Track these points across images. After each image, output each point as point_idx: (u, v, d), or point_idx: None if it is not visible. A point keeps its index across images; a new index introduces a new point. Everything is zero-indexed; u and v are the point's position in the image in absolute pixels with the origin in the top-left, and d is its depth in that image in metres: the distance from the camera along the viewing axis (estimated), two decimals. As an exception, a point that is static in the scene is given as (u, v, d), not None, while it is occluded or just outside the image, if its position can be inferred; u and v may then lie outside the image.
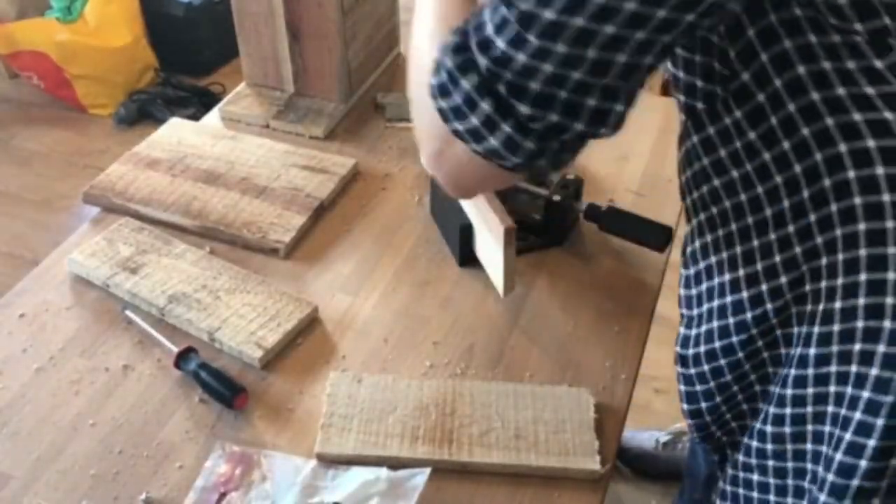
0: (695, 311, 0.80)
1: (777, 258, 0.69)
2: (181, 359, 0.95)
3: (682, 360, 0.82)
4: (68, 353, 0.98)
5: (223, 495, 0.84)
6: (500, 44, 0.58)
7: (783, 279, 0.69)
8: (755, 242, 0.70)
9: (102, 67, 2.97)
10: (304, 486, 0.84)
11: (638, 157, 1.29)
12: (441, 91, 0.63)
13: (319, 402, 0.92)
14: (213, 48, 3.14)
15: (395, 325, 1.03)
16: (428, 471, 0.84)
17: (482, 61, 0.59)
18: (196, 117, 1.43)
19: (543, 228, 1.12)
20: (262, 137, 1.31)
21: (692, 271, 0.79)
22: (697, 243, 0.78)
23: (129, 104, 3.00)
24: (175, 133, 1.32)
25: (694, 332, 0.80)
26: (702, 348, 0.78)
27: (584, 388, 0.93)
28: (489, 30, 0.59)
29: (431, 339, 1.01)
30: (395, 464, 0.85)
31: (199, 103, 2.95)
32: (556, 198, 1.10)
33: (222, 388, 0.92)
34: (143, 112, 2.99)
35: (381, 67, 1.51)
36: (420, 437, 0.88)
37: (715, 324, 0.76)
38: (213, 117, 1.39)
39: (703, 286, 0.78)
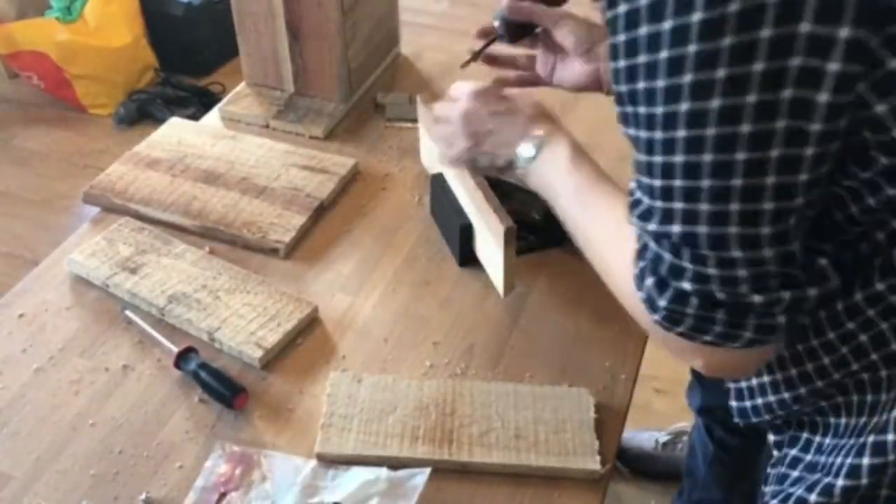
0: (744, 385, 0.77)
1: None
2: (181, 359, 0.95)
3: (741, 413, 0.79)
4: (68, 353, 0.98)
5: (223, 495, 0.84)
6: (688, 265, 0.59)
7: (826, 360, 0.67)
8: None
9: (102, 67, 2.97)
10: (304, 486, 0.84)
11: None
12: (672, 321, 0.63)
13: (319, 402, 0.92)
14: (213, 48, 3.14)
15: (395, 325, 1.03)
16: (428, 471, 0.84)
17: (687, 286, 0.60)
18: (196, 117, 1.43)
19: (543, 228, 1.12)
20: (262, 137, 1.31)
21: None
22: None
23: (128, 104, 3.00)
24: (175, 133, 1.32)
25: (748, 403, 0.77)
26: (759, 401, 0.76)
27: (584, 388, 0.93)
28: (668, 258, 0.60)
29: (431, 339, 1.01)
30: (395, 464, 0.85)
31: (199, 103, 2.95)
32: None
33: (222, 388, 0.91)
34: (142, 112, 2.99)
35: (381, 67, 1.51)
36: (420, 437, 0.88)
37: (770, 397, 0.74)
38: (212, 117, 1.39)
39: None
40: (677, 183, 0.56)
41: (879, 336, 0.64)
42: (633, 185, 0.63)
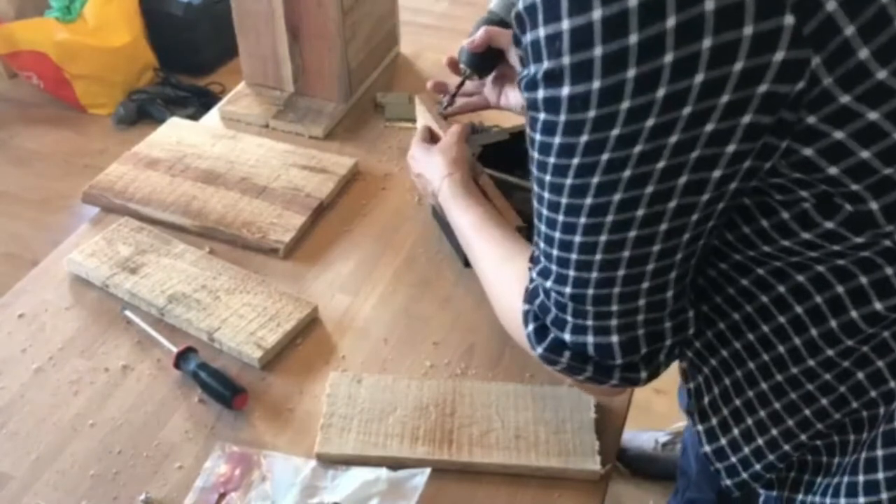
0: (733, 459, 0.77)
1: (810, 386, 0.67)
2: (181, 359, 0.95)
3: (718, 454, 0.79)
4: (68, 353, 0.98)
5: (223, 495, 0.84)
6: (570, 318, 0.66)
7: (824, 401, 0.67)
8: (779, 377, 0.68)
9: (102, 67, 2.97)
10: (303, 487, 0.84)
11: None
12: (549, 363, 0.70)
13: (319, 402, 0.92)
14: (213, 48, 3.14)
15: (395, 325, 1.03)
16: (428, 471, 0.84)
17: (566, 337, 0.67)
18: (195, 117, 1.43)
19: None
20: (261, 137, 1.31)
21: (715, 422, 0.76)
22: (715, 390, 0.75)
23: (128, 104, 3.00)
24: (174, 133, 1.32)
25: (733, 459, 0.77)
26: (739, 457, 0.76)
27: (584, 389, 0.93)
28: (553, 311, 0.67)
29: (431, 339, 1.01)
30: (395, 464, 0.85)
31: (199, 103, 2.95)
32: None
33: (222, 388, 0.91)
34: (142, 112, 2.99)
35: (381, 67, 1.51)
36: (420, 437, 0.88)
37: (755, 461, 0.74)
38: (212, 117, 1.39)
39: (735, 431, 0.74)
40: (573, 256, 0.62)
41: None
42: (535, 245, 0.68)
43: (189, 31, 3.12)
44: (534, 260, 0.69)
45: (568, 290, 0.64)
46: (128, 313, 1.02)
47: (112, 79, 3.00)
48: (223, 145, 1.28)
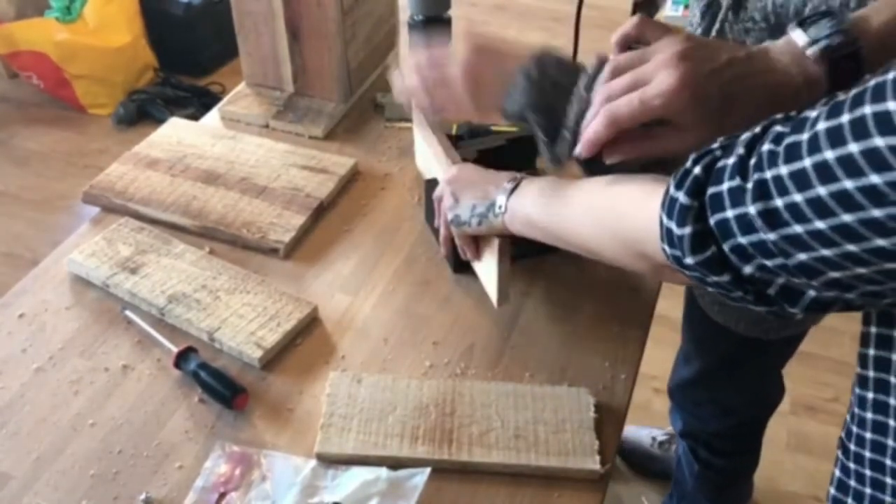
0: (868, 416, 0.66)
1: None
2: (181, 359, 0.95)
3: (843, 450, 0.71)
4: (68, 353, 0.98)
5: (223, 495, 0.84)
6: (766, 262, 0.55)
7: None
8: None
9: (102, 67, 2.97)
10: (303, 486, 0.84)
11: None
12: (680, 264, 0.60)
13: (319, 402, 0.92)
14: (213, 48, 3.14)
15: (395, 324, 1.03)
16: (428, 471, 0.84)
17: (746, 269, 0.56)
18: (196, 117, 1.43)
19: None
20: (261, 137, 1.31)
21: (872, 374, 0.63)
22: None
23: (128, 104, 3.00)
24: (175, 133, 1.32)
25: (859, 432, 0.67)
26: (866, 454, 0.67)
27: (583, 388, 0.93)
28: (741, 239, 0.55)
29: (431, 338, 1.01)
30: (394, 464, 0.85)
31: (199, 103, 2.95)
32: None
33: (222, 388, 0.91)
34: (142, 112, 3.00)
35: (381, 67, 1.51)
36: (420, 437, 0.88)
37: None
38: (212, 117, 1.39)
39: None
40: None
41: None
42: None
43: (189, 31, 3.13)
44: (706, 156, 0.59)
45: (802, 256, 0.52)
46: (128, 313, 1.02)
47: (112, 79, 3.01)
48: (223, 145, 1.29)
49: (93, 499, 0.84)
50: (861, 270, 0.51)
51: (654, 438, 1.91)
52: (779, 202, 0.52)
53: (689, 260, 0.59)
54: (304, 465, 0.86)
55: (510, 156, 1.19)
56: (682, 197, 0.59)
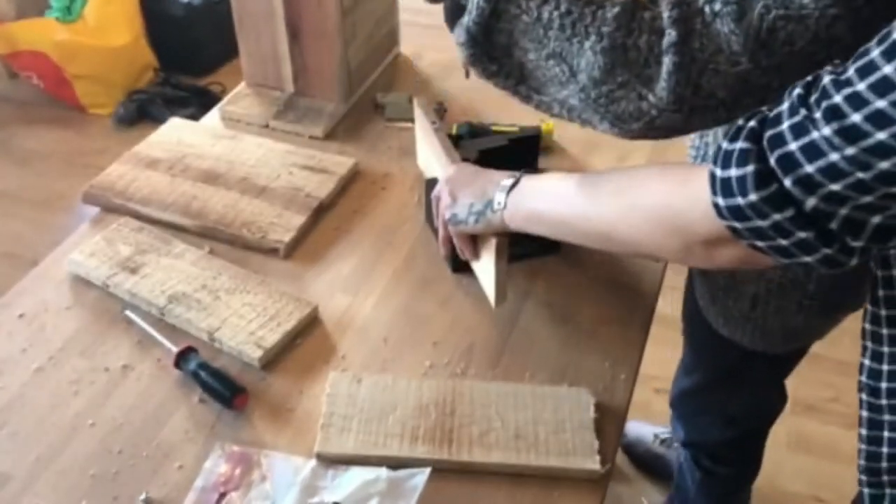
0: (885, 349, 0.72)
1: None
2: (181, 359, 0.95)
3: (872, 391, 0.74)
4: (68, 353, 0.98)
5: (223, 495, 0.84)
6: (834, 186, 0.56)
7: None
8: None
9: (102, 67, 2.97)
10: (303, 486, 0.84)
11: (637, 158, 1.29)
12: (736, 215, 0.62)
13: (319, 402, 0.92)
14: (213, 48, 3.14)
15: (395, 324, 1.03)
16: (428, 471, 0.84)
17: (809, 201, 0.57)
18: (196, 117, 1.43)
19: (539, 235, 1.11)
20: (261, 137, 1.31)
21: (885, 313, 0.70)
22: None
23: (128, 104, 3.00)
24: (175, 133, 1.32)
25: (886, 367, 0.72)
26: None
27: (583, 388, 0.93)
28: (807, 167, 0.56)
29: (431, 338, 1.01)
30: (394, 464, 0.85)
31: (199, 103, 2.95)
32: None
33: (222, 388, 0.91)
34: (142, 112, 3.00)
35: (381, 67, 1.51)
36: (420, 436, 0.88)
37: None
38: (212, 117, 1.39)
39: None
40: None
41: None
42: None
43: (189, 31, 3.13)
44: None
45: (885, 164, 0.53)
46: (128, 313, 1.02)
47: (112, 79, 3.01)
48: (223, 145, 1.29)
49: (93, 499, 0.84)
50: None
51: (656, 435, 1.90)
52: (856, 117, 0.53)
53: (752, 196, 0.59)
54: (303, 465, 0.86)
55: (511, 156, 1.19)
56: (739, 144, 0.61)
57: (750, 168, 0.60)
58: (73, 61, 2.94)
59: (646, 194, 0.74)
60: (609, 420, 0.92)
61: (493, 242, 0.94)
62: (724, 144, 0.62)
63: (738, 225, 0.63)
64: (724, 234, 0.65)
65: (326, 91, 1.38)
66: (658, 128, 0.75)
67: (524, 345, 1.00)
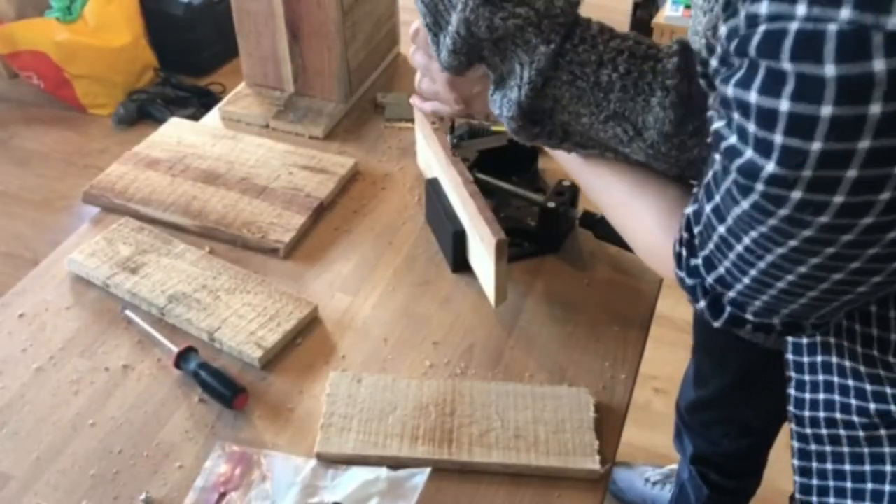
0: (806, 377, 0.75)
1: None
2: (181, 359, 0.95)
3: (798, 420, 0.78)
4: (68, 352, 0.98)
5: (223, 495, 0.84)
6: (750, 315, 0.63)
7: None
8: (874, 331, 0.65)
9: (102, 67, 2.97)
10: (303, 486, 0.84)
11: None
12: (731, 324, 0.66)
13: (319, 401, 0.92)
14: (213, 48, 3.14)
15: (395, 324, 1.03)
16: (428, 471, 0.84)
17: (747, 317, 0.63)
18: (196, 117, 1.44)
19: (538, 235, 1.12)
20: (261, 137, 1.31)
21: (804, 340, 0.74)
22: None
23: (128, 104, 3.00)
24: (175, 133, 1.32)
25: (808, 396, 0.75)
26: (821, 414, 0.74)
27: (583, 388, 0.93)
28: (734, 289, 0.62)
29: (431, 338, 1.01)
30: (394, 464, 0.85)
31: (199, 103, 2.95)
32: (551, 204, 1.09)
33: (222, 387, 0.91)
34: (142, 112, 3.00)
35: (381, 67, 1.51)
36: (420, 436, 0.88)
37: (836, 398, 0.72)
38: (212, 117, 1.39)
39: (818, 358, 0.73)
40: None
41: None
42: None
43: (189, 31, 3.13)
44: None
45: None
46: (128, 313, 1.02)
47: (112, 79, 3.01)
48: (223, 145, 1.29)
49: (93, 499, 0.84)
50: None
51: (647, 479, 1.88)
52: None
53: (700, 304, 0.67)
54: (304, 464, 0.86)
55: (510, 155, 1.19)
56: (679, 272, 0.67)
57: (701, 304, 0.66)
58: (74, 61, 2.94)
59: (637, 231, 0.77)
60: (609, 420, 0.92)
61: (492, 243, 0.95)
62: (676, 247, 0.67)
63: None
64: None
65: (326, 91, 1.38)
66: None
67: (524, 345, 1.00)
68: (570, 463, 0.86)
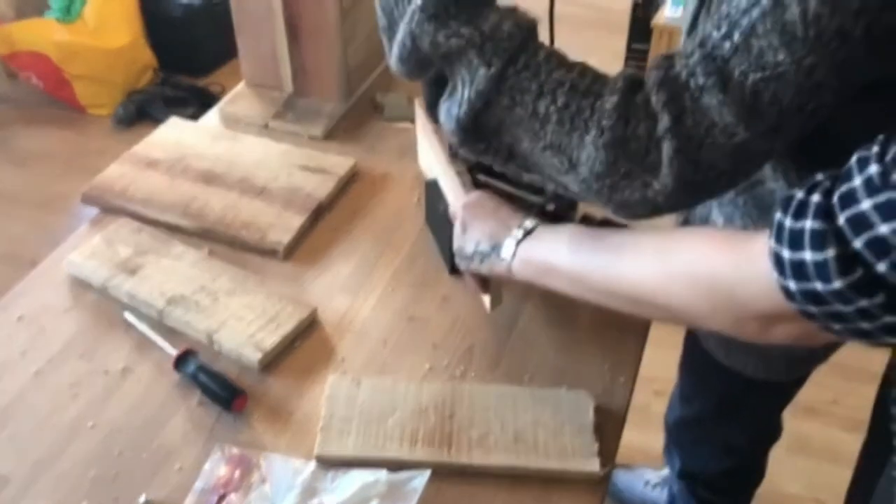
0: None
1: None
2: (180, 361, 0.94)
3: None
4: (67, 355, 0.98)
5: (222, 497, 0.83)
6: None
7: None
8: None
9: (101, 67, 2.97)
10: (303, 489, 0.84)
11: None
12: (814, 300, 0.56)
13: (318, 404, 0.92)
14: (213, 48, 3.14)
15: (395, 326, 1.03)
16: (427, 473, 0.84)
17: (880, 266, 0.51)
18: (195, 117, 1.43)
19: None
20: (260, 137, 1.31)
21: None
22: None
23: (127, 104, 3.00)
24: (174, 133, 1.32)
25: None
26: None
27: (583, 391, 0.93)
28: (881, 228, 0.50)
29: (431, 340, 1.01)
30: (394, 466, 0.85)
31: (198, 103, 2.95)
32: (551, 207, 1.09)
33: (221, 390, 0.91)
34: (141, 112, 3.00)
35: (381, 67, 1.51)
36: (419, 439, 0.88)
37: None
38: (212, 117, 1.39)
39: None
40: None
41: None
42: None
43: (189, 31, 3.13)
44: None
45: None
46: (127, 315, 1.01)
47: (112, 79, 3.01)
48: (222, 146, 1.28)
49: (92, 501, 0.83)
50: None
51: (647, 482, 1.87)
52: None
53: (836, 284, 0.53)
54: (303, 467, 0.86)
55: None
56: (809, 224, 0.55)
57: (830, 253, 0.53)
58: (73, 62, 2.94)
59: (694, 261, 0.67)
60: (609, 422, 0.91)
61: None
62: (788, 222, 0.56)
63: (813, 309, 0.56)
64: (787, 313, 0.58)
65: (326, 91, 1.38)
66: (663, 209, 0.73)
67: (523, 347, 1.00)
68: (570, 465, 0.86)
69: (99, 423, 0.91)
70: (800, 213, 0.56)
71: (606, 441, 0.89)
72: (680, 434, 1.53)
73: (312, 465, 0.86)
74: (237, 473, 0.85)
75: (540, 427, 0.89)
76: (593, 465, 0.86)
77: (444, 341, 1.01)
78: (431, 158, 1.14)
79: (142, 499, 0.83)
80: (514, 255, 0.85)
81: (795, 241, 0.55)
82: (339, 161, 1.26)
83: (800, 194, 0.57)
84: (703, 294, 0.66)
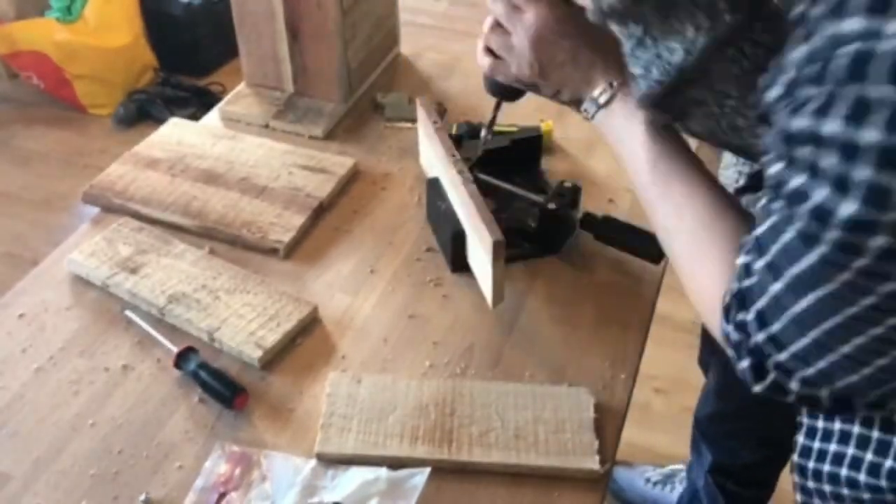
0: (819, 424, 0.72)
1: None
2: (181, 359, 0.95)
3: (801, 470, 0.74)
4: (68, 353, 0.98)
5: (223, 495, 0.84)
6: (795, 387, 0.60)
7: None
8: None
9: (102, 67, 2.97)
10: (303, 486, 0.84)
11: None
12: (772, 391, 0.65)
13: (319, 402, 0.92)
14: (213, 48, 3.14)
15: (395, 324, 1.03)
16: (427, 471, 0.84)
17: (792, 386, 0.60)
18: (196, 117, 1.43)
19: (538, 236, 1.11)
20: (261, 137, 1.31)
21: None
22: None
23: (128, 104, 3.00)
24: (175, 133, 1.32)
25: (817, 445, 0.71)
26: (825, 468, 0.70)
27: (583, 388, 0.93)
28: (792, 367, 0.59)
29: (431, 338, 1.01)
30: (394, 464, 0.85)
31: (199, 103, 2.95)
32: (552, 206, 1.09)
33: (222, 388, 0.91)
34: (142, 112, 2.99)
35: (381, 67, 1.51)
36: (420, 437, 0.88)
37: (848, 451, 0.68)
38: (212, 117, 1.39)
39: (836, 424, 0.69)
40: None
41: None
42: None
43: (189, 31, 3.13)
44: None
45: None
46: (128, 313, 1.02)
47: (112, 79, 3.01)
48: (223, 145, 1.29)
49: (93, 499, 0.84)
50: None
51: (647, 479, 1.87)
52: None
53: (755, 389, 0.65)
54: (303, 465, 0.86)
55: (513, 156, 1.19)
56: (729, 328, 0.64)
57: (744, 364, 0.63)
58: (73, 61, 2.94)
59: (695, 268, 0.72)
60: (609, 420, 0.92)
61: (489, 243, 0.94)
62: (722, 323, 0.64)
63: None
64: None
65: (326, 91, 1.38)
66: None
67: (524, 345, 1.00)
68: (570, 463, 0.86)
69: (99, 420, 0.91)
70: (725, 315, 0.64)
71: (607, 438, 0.89)
72: (712, 429, 1.52)
73: (313, 462, 0.86)
74: (238, 471, 0.86)
75: (540, 424, 0.89)
76: (593, 463, 0.86)
77: (444, 339, 1.01)
78: (432, 156, 1.15)
79: (142, 497, 0.83)
80: (593, 116, 0.82)
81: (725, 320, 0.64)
82: (339, 161, 1.26)
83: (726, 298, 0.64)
84: (692, 292, 0.71)
